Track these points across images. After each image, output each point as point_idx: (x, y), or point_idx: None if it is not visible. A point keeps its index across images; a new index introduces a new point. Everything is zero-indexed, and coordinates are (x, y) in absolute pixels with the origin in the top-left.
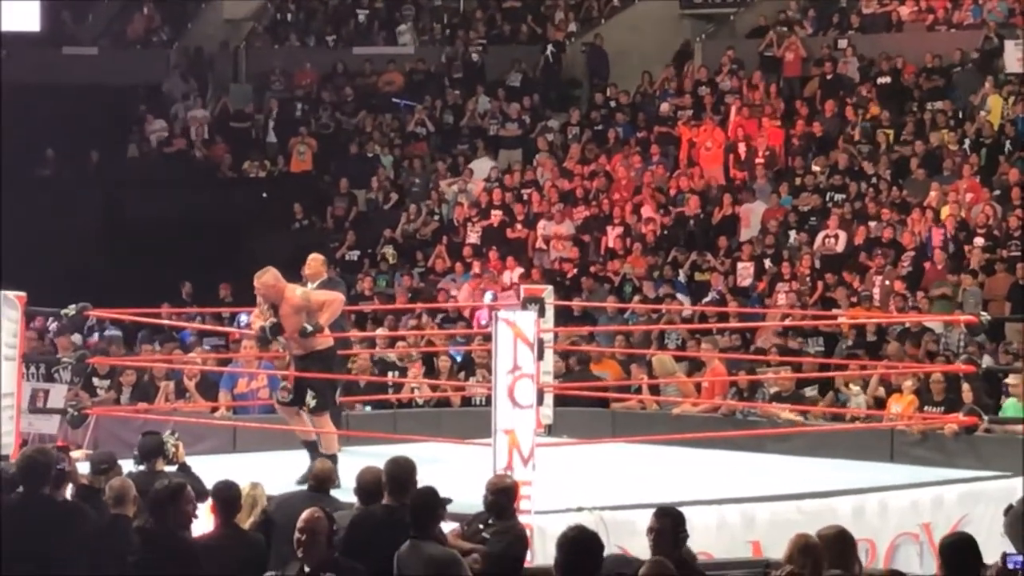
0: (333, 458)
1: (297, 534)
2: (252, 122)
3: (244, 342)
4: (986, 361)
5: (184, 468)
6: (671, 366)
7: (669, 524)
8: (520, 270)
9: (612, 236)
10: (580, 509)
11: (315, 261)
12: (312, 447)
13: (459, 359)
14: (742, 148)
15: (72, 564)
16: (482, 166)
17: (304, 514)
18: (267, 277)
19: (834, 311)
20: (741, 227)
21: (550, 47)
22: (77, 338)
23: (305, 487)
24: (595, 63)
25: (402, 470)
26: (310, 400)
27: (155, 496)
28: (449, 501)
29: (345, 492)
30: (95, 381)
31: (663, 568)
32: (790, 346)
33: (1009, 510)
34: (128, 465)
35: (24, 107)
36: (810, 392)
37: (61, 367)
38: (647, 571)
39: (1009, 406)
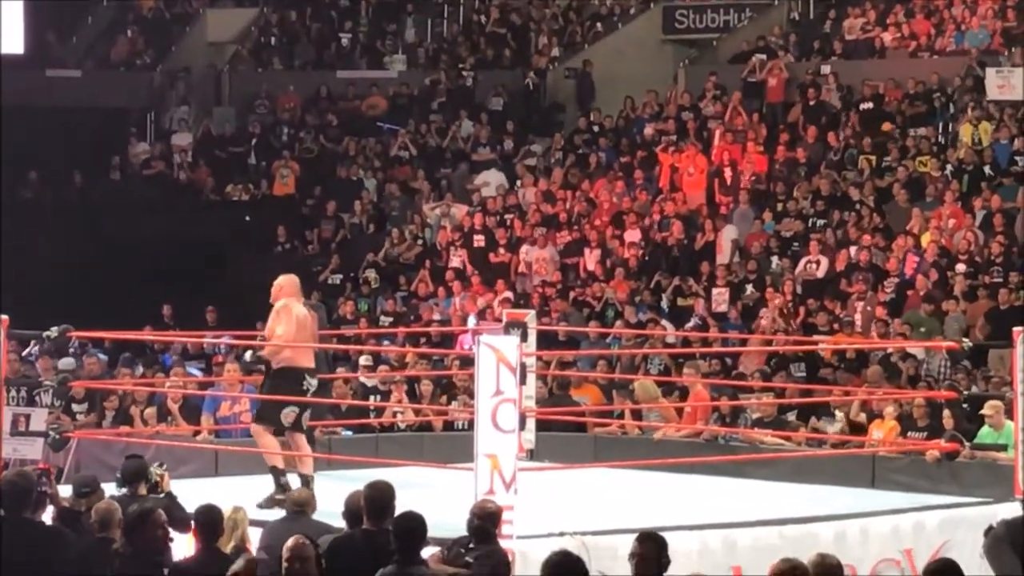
0: (273, 470)
1: (286, 564)
2: (238, 146)
3: (228, 365)
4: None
5: (171, 497)
6: (654, 391)
7: (652, 549)
8: (508, 293)
9: (594, 260)
10: (562, 534)
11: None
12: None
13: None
14: (726, 173)
15: None
16: (493, 178)
17: (290, 542)
18: (278, 279)
19: (815, 337)
20: (717, 252)
21: (532, 74)
22: (69, 362)
23: (265, 508)
24: (579, 88)
25: (380, 494)
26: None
27: (125, 520)
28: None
29: (322, 515)
30: (74, 406)
31: None
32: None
33: (989, 531)
34: (111, 489)
35: (7, 129)
36: (791, 418)
37: (42, 390)
38: None
39: (985, 432)
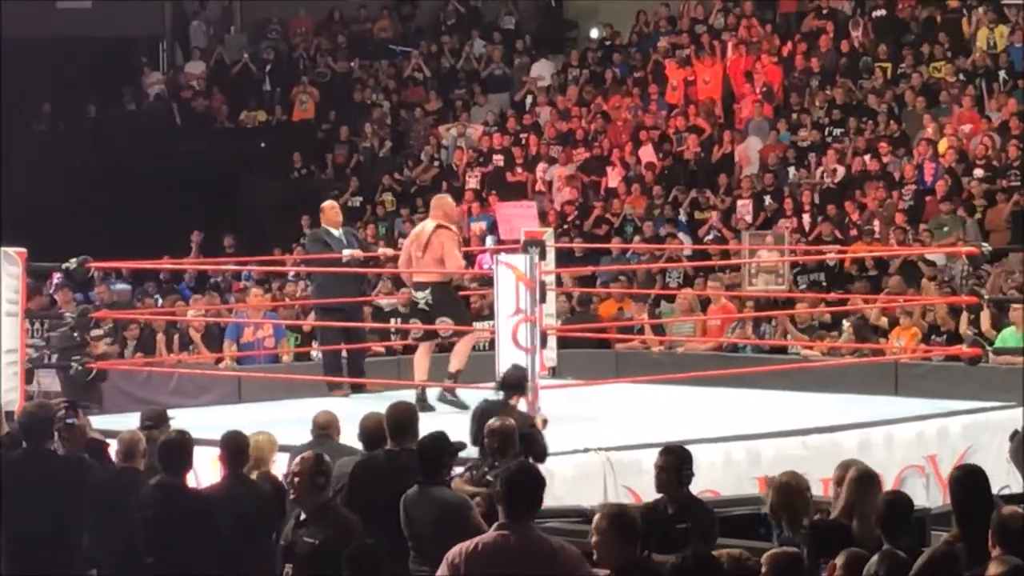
0: None
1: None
2: (251, 72)
3: (253, 290)
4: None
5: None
6: (697, 304)
7: (674, 462)
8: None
9: (612, 177)
10: (587, 450)
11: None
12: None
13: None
14: (742, 85)
15: (78, 517)
16: (543, 69)
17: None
18: None
19: (834, 246)
20: (740, 165)
21: None
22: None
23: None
24: None
25: (402, 414)
26: None
27: (158, 445)
28: (462, 447)
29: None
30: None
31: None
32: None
33: (1015, 435)
34: (134, 419)
35: (19, 61)
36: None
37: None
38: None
39: (1007, 335)
